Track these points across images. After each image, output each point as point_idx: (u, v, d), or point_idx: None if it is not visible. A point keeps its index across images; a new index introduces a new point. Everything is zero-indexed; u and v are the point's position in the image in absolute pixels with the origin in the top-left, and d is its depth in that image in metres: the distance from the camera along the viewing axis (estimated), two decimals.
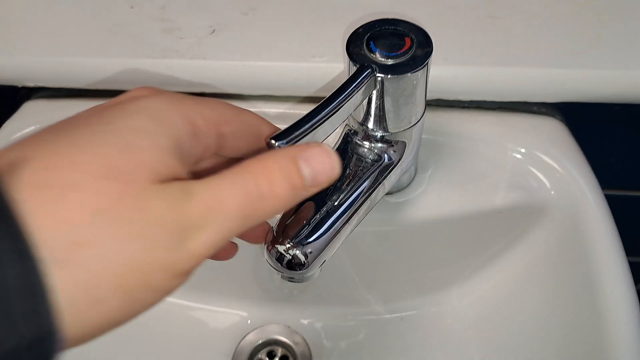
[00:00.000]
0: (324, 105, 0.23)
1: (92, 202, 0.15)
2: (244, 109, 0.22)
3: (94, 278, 0.15)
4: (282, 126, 0.22)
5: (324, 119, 0.23)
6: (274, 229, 0.25)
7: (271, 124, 0.23)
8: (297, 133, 0.21)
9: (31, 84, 0.39)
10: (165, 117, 0.18)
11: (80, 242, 0.15)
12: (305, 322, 0.41)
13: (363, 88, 0.24)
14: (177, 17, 0.39)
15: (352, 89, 0.23)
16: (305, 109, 0.37)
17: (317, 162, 0.19)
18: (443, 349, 0.39)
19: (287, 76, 0.35)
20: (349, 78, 0.24)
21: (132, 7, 0.41)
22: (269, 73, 0.35)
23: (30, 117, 0.39)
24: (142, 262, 0.16)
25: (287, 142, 0.21)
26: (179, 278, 0.17)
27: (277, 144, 0.20)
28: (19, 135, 0.38)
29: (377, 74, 0.24)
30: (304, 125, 0.22)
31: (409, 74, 0.24)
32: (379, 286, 0.39)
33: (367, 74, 0.24)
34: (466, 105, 0.37)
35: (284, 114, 0.38)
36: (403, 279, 0.38)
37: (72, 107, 0.39)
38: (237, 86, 0.37)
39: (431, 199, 0.34)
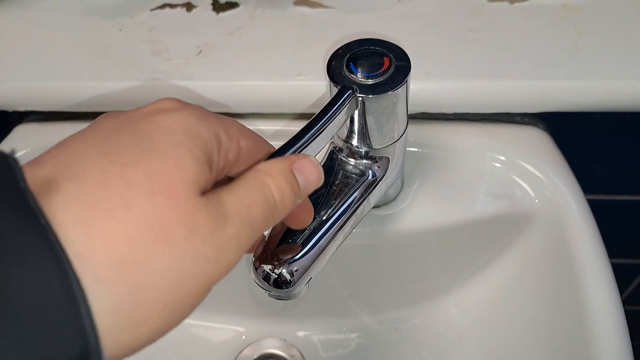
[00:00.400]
0: (309, 127, 0.23)
1: (141, 219, 0.15)
2: (252, 131, 0.22)
3: (140, 298, 0.15)
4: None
5: (309, 140, 0.23)
6: (260, 247, 0.25)
7: (272, 147, 0.23)
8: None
9: (22, 109, 0.39)
10: (198, 131, 0.18)
11: (129, 261, 0.14)
12: (301, 335, 0.42)
13: (345, 108, 0.25)
14: (165, 38, 0.40)
15: (334, 110, 0.24)
16: (292, 126, 0.38)
17: (309, 173, 0.21)
18: (437, 357, 0.39)
19: (273, 94, 0.36)
20: (331, 100, 0.25)
21: (120, 30, 0.41)
22: (256, 92, 0.36)
23: (22, 141, 0.40)
24: (188, 278, 0.16)
25: None
26: (209, 291, 0.17)
27: None
28: None
29: (358, 95, 0.25)
30: (292, 148, 0.23)
31: (388, 93, 0.25)
32: (372, 298, 0.39)
33: (348, 95, 0.25)
34: (450, 117, 0.38)
35: (271, 131, 0.38)
36: (395, 290, 0.39)
37: (63, 130, 0.40)
38: (225, 105, 0.37)
39: (418, 211, 0.34)
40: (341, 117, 0.25)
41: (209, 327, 0.43)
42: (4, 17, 0.44)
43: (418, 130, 0.37)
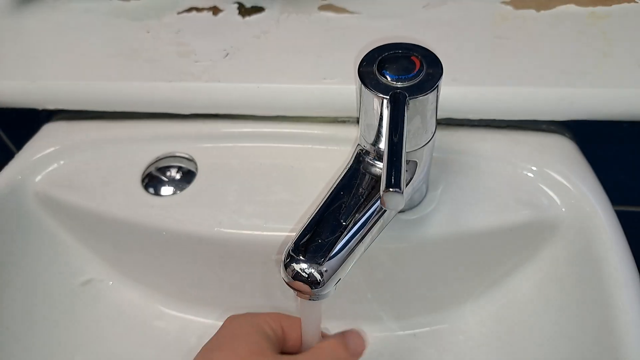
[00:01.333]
0: (397, 140, 0.23)
1: None
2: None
3: None
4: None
5: (402, 151, 0.23)
6: (290, 247, 0.25)
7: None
8: (402, 176, 0.23)
9: (52, 107, 0.40)
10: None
11: None
12: None
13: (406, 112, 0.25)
14: (192, 41, 0.41)
15: (404, 120, 0.24)
16: (318, 129, 0.38)
17: (356, 339, 0.30)
18: None
19: (299, 97, 0.36)
20: (393, 110, 0.24)
21: (148, 32, 0.42)
22: (282, 95, 0.36)
23: (51, 139, 0.40)
24: None
25: (398, 186, 0.22)
26: None
27: (393, 189, 0.22)
28: (39, 156, 0.39)
29: (409, 98, 0.25)
30: (401, 164, 0.23)
31: (419, 97, 0.25)
32: (392, 303, 0.39)
33: (405, 100, 0.24)
34: (476, 123, 0.37)
35: (296, 134, 0.38)
36: (415, 296, 0.38)
37: (90, 128, 0.41)
38: (251, 107, 0.38)
39: (442, 216, 0.34)
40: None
41: None
42: (34, 17, 0.45)
43: (443, 135, 0.37)
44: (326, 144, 0.38)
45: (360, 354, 0.30)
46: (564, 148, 0.37)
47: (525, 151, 0.36)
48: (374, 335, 0.40)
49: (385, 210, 0.28)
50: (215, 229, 0.34)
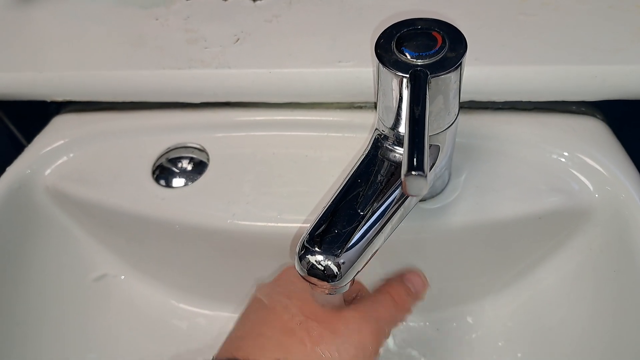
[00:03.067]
0: (419, 120, 0.21)
1: None
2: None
3: None
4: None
5: (425, 133, 0.22)
6: (305, 239, 0.24)
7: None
8: (425, 158, 0.21)
9: (60, 99, 0.39)
10: None
11: None
12: None
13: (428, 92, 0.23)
14: (201, 27, 0.39)
15: (424, 98, 0.22)
16: (334, 116, 0.37)
17: (416, 282, 0.32)
18: None
19: (313, 82, 0.35)
20: (414, 89, 0.22)
21: (156, 19, 0.41)
22: (295, 80, 0.35)
23: (60, 132, 0.39)
24: None
25: (420, 169, 0.20)
26: None
27: (415, 173, 0.20)
28: (48, 149, 0.38)
29: (430, 76, 0.23)
30: (423, 144, 0.21)
31: (441, 75, 0.23)
32: None
33: (427, 78, 0.23)
34: (500, 106, 0.35)
35: (311, 122, 0.37)
36: (438, 288, 0.37)
37: (100, 121, 0.40)
38: (263, 94, 0.36)
39: (466, 205, 0.32)
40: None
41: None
42: (43, 7, 0.44)
43: (466, 119, 0.35)
44: (342, 131, 0.37)
45: (420, 296, 0.31)
46: (596, 130, 0.34)
47: (554, 134, 0.34)
48: (395, 328, 0.39)
49: (405, 198, 0.26)
50: (228, 220, 0.33)
